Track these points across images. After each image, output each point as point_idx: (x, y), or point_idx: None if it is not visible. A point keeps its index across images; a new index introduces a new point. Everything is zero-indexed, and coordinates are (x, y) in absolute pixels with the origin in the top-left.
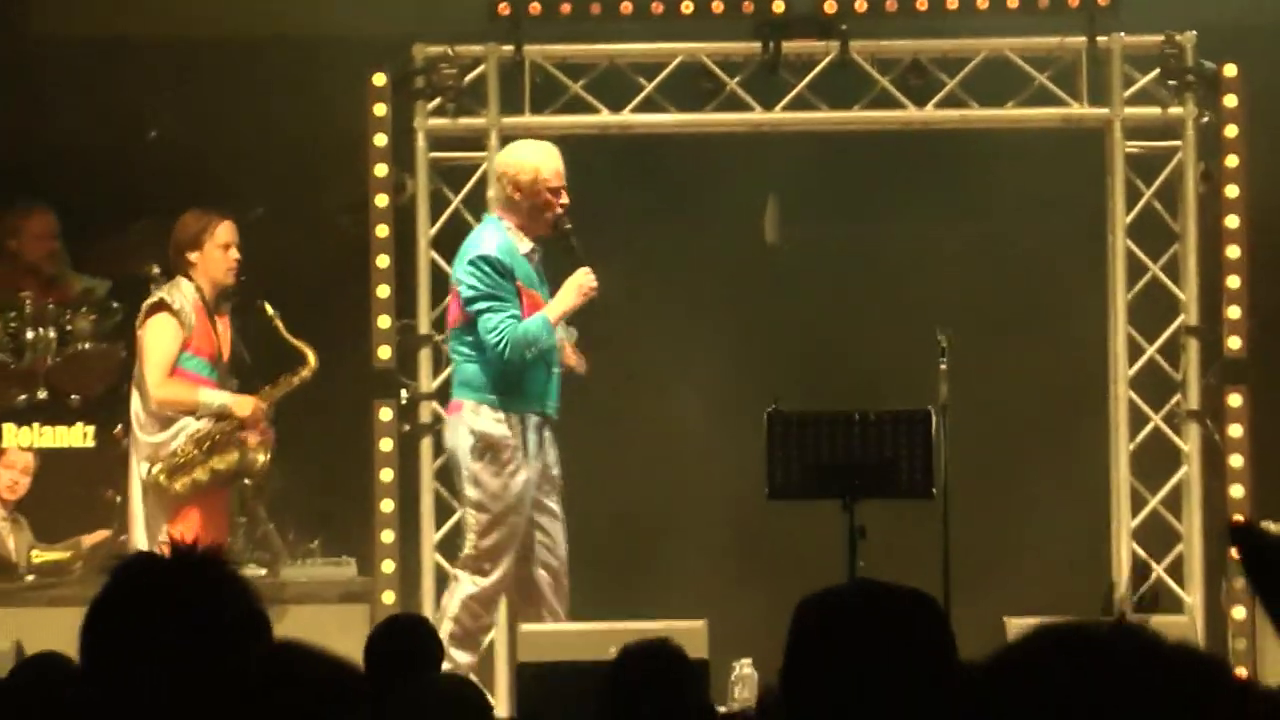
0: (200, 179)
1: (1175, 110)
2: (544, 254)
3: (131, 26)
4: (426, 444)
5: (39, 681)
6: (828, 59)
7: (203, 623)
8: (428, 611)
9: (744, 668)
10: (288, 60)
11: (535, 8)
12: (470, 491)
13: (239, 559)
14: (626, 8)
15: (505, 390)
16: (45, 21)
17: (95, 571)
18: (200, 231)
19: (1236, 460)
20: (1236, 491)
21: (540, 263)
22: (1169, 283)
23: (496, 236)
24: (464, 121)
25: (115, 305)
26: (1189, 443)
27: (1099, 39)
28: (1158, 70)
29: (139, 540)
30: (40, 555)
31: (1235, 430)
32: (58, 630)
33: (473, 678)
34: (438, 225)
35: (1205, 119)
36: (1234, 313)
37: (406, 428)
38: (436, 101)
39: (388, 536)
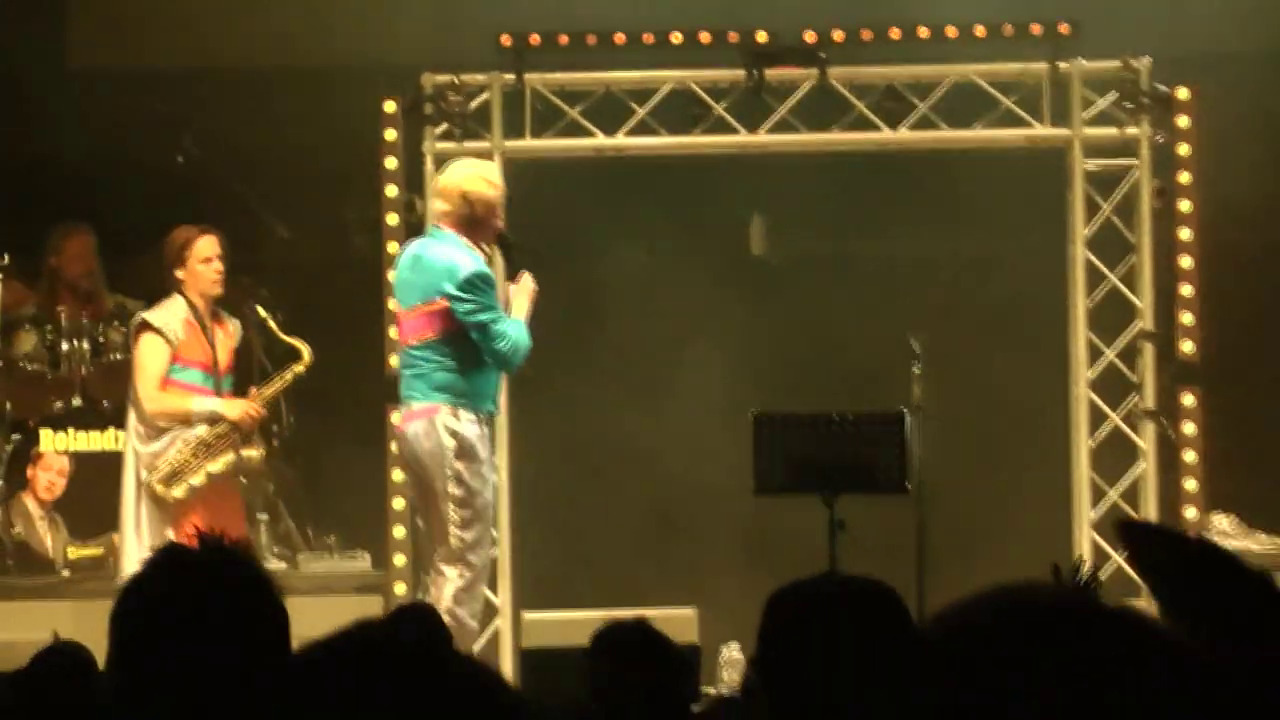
0: (224, 201)
1: (1132, 130)
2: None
3: (161, 59)
4: None
5: (56, 670)
6: (808, 85)
7: (227, 612)
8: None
9: (733, 651)
10: (305, 89)
11: (535, 39)
12: (454, 489)
13: (261, 553)
14: (620, 38)
15: (475, 394)
16: (81, 55)
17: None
18: (182, 248)
19: (1190, 456)
20: (1190, 485)
21: None
22: (1126, 291)
23: (468, 252)
24: (470, 145)
25: None
26: (1146, 440)
27: (1060, 64)
28: (1115, 93)
29: (129, 546)
30: (75, 552)
31: (1189, 428)
32: (92, 622)
33: None
34: None
35: (1160, 138)
36: (1187, 319)
37: None
38: (444, 126)
39: (399, 532)
